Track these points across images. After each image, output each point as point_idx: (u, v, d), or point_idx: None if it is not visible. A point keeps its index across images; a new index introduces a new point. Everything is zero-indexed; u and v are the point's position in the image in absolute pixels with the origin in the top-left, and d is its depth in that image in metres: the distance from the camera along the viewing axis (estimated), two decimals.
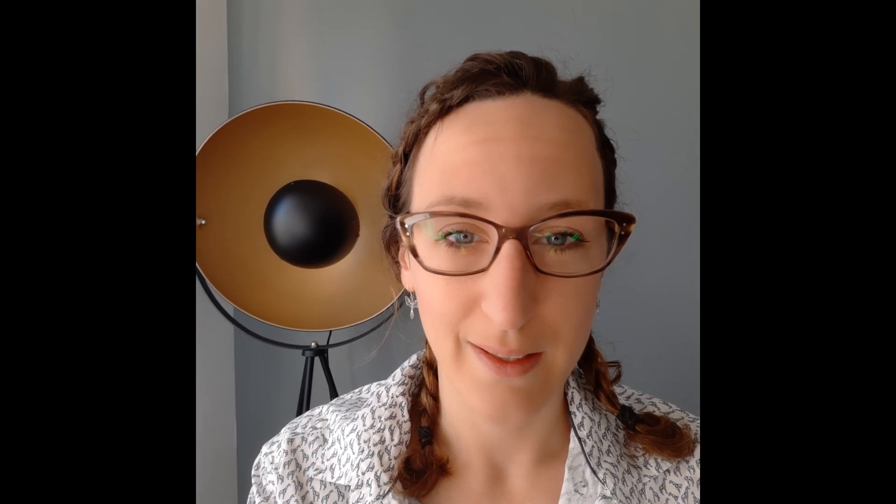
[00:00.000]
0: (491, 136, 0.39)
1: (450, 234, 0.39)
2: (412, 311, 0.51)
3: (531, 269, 0.38)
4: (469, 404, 0.42)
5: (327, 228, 1.10)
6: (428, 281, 0.41)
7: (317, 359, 1.21)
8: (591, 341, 0.52)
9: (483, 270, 0.38)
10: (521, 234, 0.37)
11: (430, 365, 0.52)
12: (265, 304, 1.12)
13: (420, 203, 0.43)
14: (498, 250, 0.38)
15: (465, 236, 0.39)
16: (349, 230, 1.13)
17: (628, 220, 0.40)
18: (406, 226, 0.41)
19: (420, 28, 1.21)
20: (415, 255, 0.41)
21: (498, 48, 0.44)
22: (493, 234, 0.38)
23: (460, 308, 0.39)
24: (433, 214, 0.39)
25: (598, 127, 0.45)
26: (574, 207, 0.38)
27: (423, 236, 0.41)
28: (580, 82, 0.45)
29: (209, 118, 1.32)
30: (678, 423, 0.51)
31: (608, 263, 0.41)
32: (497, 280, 0.37)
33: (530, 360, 0.40)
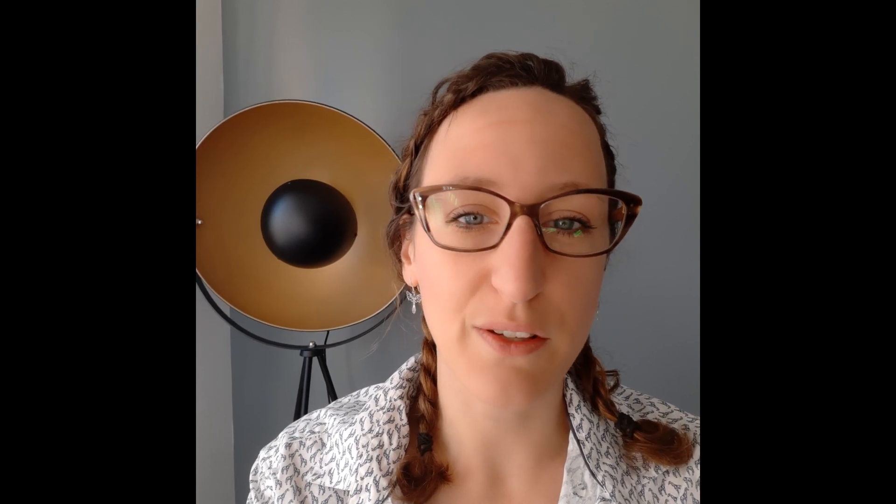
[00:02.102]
0: (505, 119, 0.41)
1: (459, 216, 0.40)
2: (414, 307, 0.51)
3: (541, 246, 0.39)
4: (471, 388, 0.41)
5: (325, 228, 1.10)
6: (436, 262, 0.41)
7: (314, 359, 1.20)
8: (588, 349, 0.52)
9: (494, 247, 0.39)
10: (532, 211, 0.38)
11: (428, 370, 0.52)
12: (262, 304, 1.12)
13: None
14: (509, 226, 0.38)
15: (475, 217, 0.40)
16: (347, 230, 1.12)
17: (636, 200, 0.41)
18: (418, 199, 0.41)
19: (418, 27, 1.21)
20: (427, 230, 0.41)
21: (496, 48, 0.46)
22: (505, 212, 0.39)
23: (468, 285, 0.40)
24: (447, 188, 0.40)
25: (602, 131, 0.46)
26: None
27: (433, 220, 0.41)
28: (586, 85, 0.46)
29: (204, 117, 1.32)
30: (677, 426, 0.51)
31: (616, 243, 0.42)
32: (508, 252, 0.38)
33: (535, 341, 0.40)
